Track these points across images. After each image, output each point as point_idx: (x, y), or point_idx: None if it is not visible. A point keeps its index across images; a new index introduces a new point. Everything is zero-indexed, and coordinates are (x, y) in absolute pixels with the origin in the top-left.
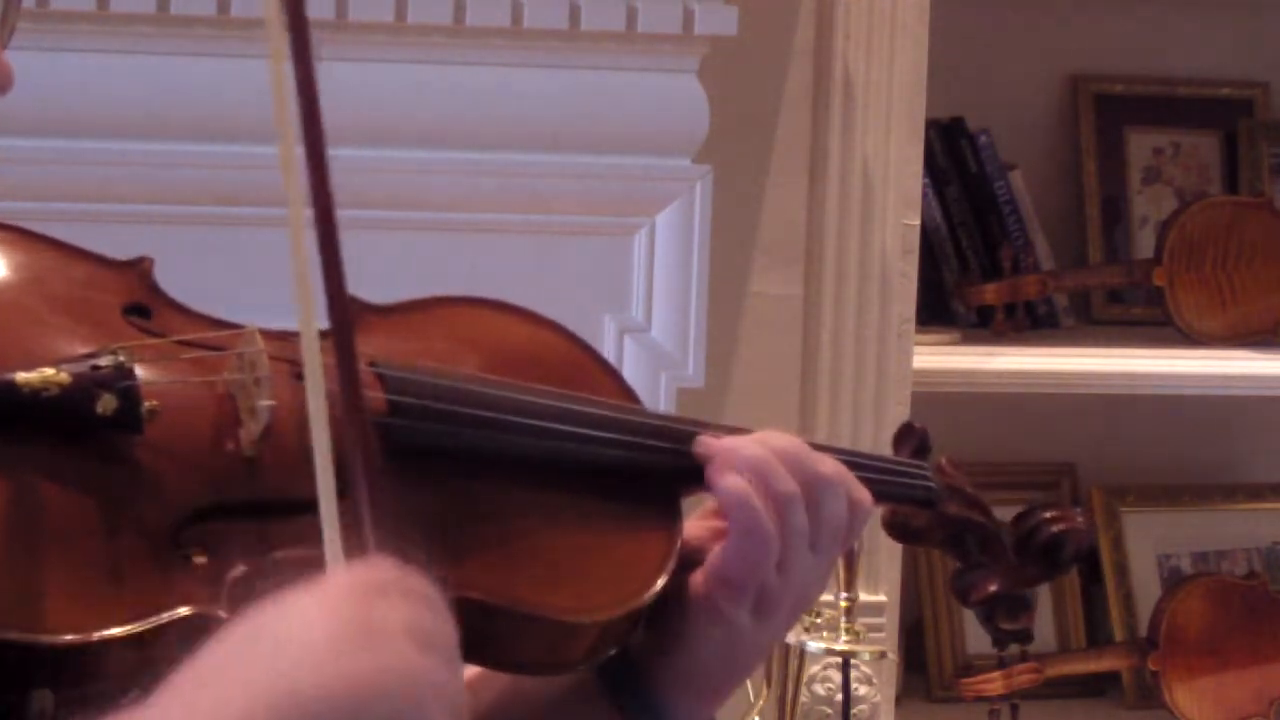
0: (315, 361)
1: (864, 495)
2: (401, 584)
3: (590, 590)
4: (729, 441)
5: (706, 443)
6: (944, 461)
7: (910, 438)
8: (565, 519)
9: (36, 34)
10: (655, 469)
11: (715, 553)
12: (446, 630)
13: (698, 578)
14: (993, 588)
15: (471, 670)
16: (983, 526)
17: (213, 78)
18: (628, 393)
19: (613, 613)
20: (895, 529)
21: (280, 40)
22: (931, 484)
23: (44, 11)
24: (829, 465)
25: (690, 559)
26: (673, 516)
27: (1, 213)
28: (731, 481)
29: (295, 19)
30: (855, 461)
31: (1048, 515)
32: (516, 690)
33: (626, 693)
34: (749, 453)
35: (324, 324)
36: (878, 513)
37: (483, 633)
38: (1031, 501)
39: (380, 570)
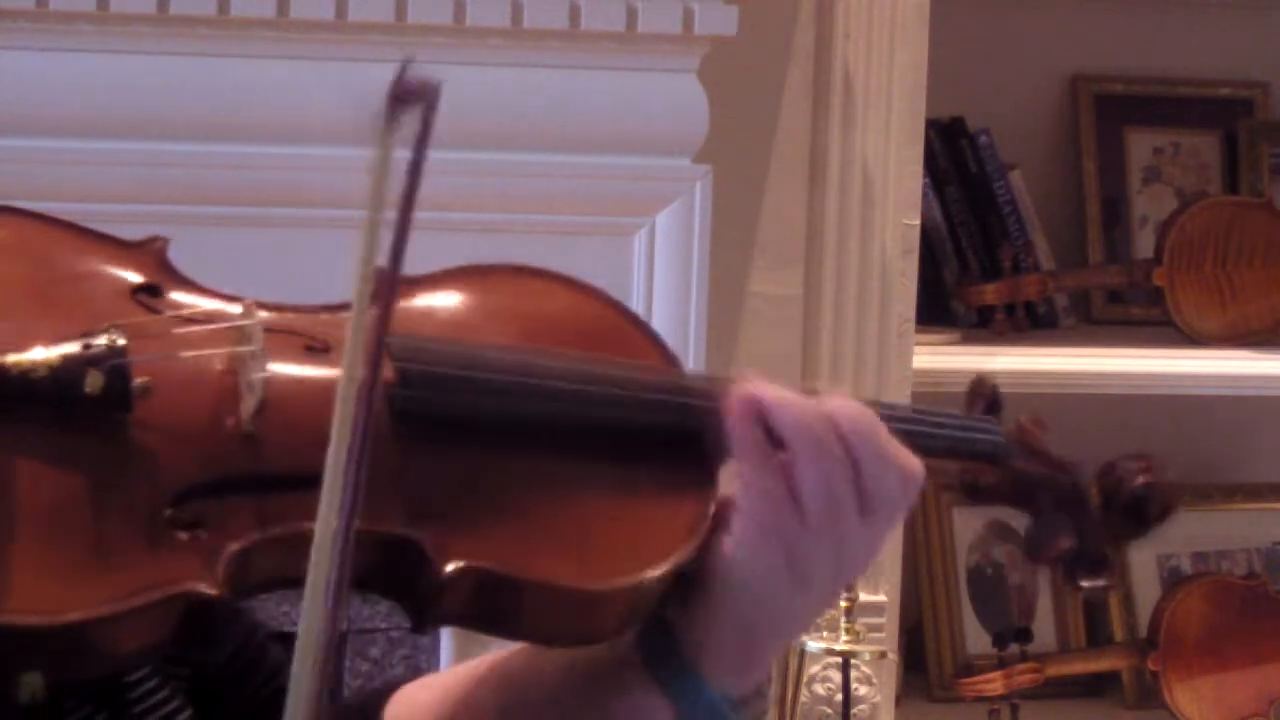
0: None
1: (914, 465)
2: None
3: (612, 559)
4: (765, 386)
5: (740, 388)
6: (1023, 419)
7: (982, 394)
8: (588, 486)
9: (36, 34)
10: (687, 431)
11: (733, 506)
12: None
13: (726, 539)
14: (1066, 544)
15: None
16: (1057, 481)
17: (213, 78)
18: (669, 357)
19: (634, 580)
20: (966, 488)
21: None
22: (999, 439)
23: (44, 11)
24: (882, 434)
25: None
26: (706, 480)
27: None
28: (738, 431)
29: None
30: (920, 418)
31: (1132, 467)
32: (541, 665)
33: (663, 663)
34: (782, 397)
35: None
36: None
37: (505, 604)
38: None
39: None
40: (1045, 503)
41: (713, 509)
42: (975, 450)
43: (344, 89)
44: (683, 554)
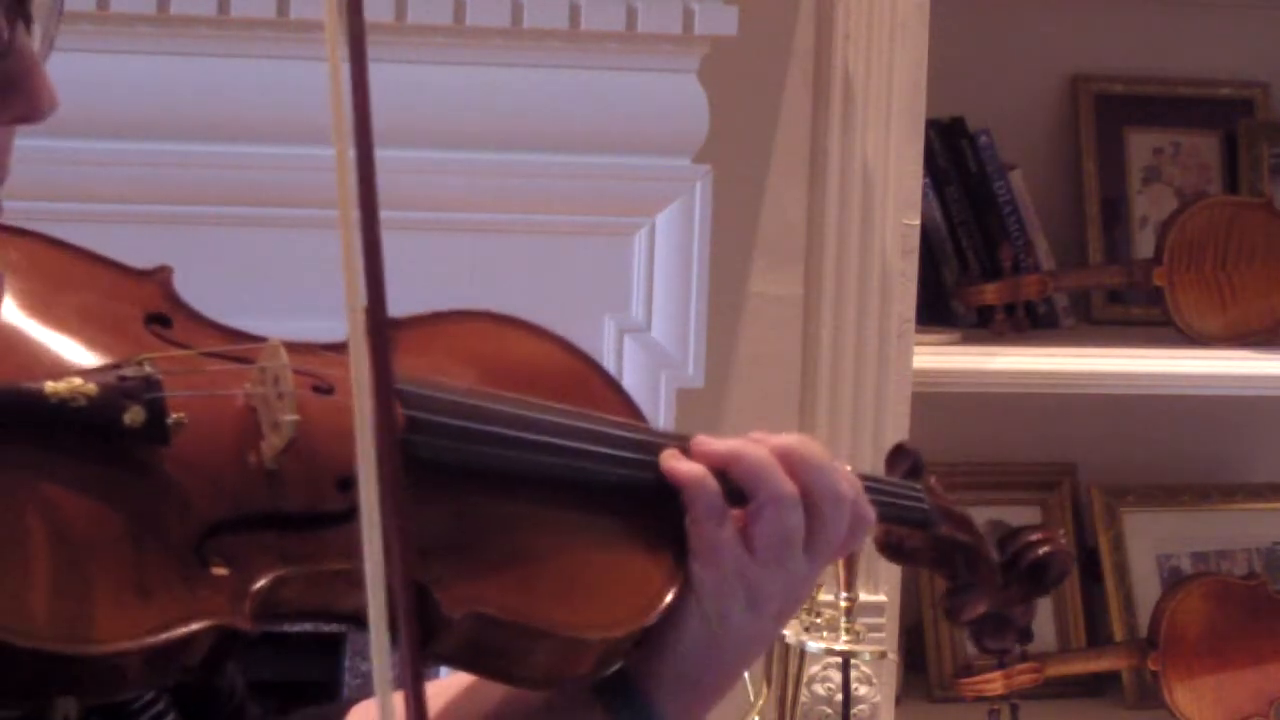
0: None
1: (868, 511)
2: None
3: (600, 607)
4: (719, 442)
5: (697, 441)
6: (933, 482)
7: (904, 459)
8: (577, 535)
9: None
10: (664, 485)
11: (693, 543)
12: None
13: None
14: (982, 609)
15: (461, 681)
16: (972, 548)
17: (213, 78)
18: (632, 408)
19: (622, 630)
20: (889, 549)
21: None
22: (926, 505)
23: None
24: (837, 474)
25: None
26: (681, 532)
27: (2, 213)
28: (682, 468)
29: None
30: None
31: (1034, 537)
32: (509, 699)
33: (615, 694)
34: (736, 449)
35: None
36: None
37: (493, 647)
38: (1020, 519)
39: None
40: (961, 568)
41: (687, 558)
42: (904, 516)
43: (344, 89)
44: (666, 603)
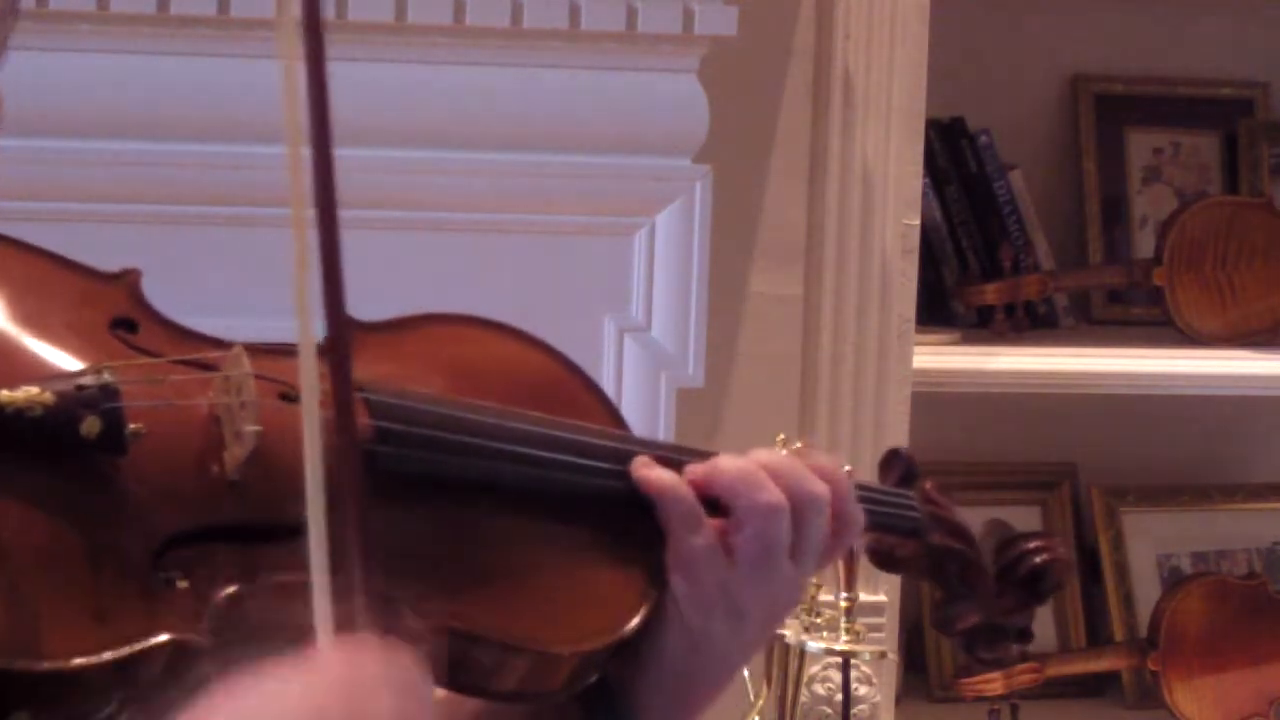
0: (314, 425)
1: (855, 513)
2: (389, 674)
3: (574, 621)
4: (708, 463)
5: (651, 469)
6: (928, 487)
7: (897, 464)
8: (551, 548)
9: (36, 34)
10: (641, 495)
11: (671, 555)
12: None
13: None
14: (975, 619)
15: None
16: (966, 556)
17: (213, 78)
18: (614, 416)
19: (595, 644)
20: (879, 557)
21: (293, 40)
22: (918, 514)
23: (44, 11)
24: (816, 482)
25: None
26: (657, 544)
27: (1, 212)
28: (653, 475)
29: (311, 20)
30: None
31: (1030, 545)
32: (488, 709)
33: (600, 707)
34: (713, 462)
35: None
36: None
37: (464, 662)
38: (1019, 519)
39: (368, 659)
40: (953, 576)
41: (663, 570)
42: (896, 525)
43: (344, 89)
44: (640, 617)
